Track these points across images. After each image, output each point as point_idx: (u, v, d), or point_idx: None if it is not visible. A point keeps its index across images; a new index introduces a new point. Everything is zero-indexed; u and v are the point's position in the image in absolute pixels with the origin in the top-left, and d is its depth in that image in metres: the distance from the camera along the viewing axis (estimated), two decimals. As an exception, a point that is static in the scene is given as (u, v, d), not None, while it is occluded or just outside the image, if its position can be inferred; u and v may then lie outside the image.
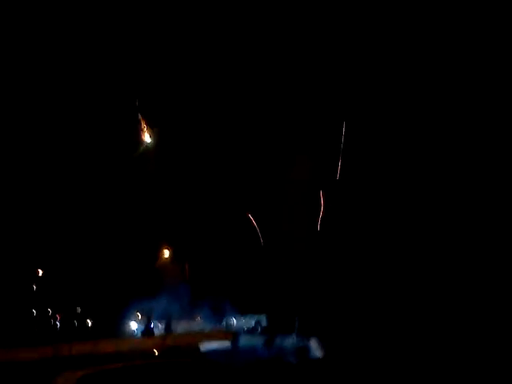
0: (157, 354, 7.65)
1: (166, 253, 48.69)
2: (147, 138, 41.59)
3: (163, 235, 46.70)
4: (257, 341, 23.00)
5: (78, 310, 50.01)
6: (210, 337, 9.97)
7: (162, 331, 27.40)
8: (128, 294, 35.84)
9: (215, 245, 46.83)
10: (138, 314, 35.58)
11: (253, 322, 34.50)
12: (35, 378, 6.78)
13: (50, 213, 45.90)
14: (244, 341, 23.03)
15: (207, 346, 9.99)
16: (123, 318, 35.96)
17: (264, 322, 34.36)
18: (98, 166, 45.93)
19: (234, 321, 33.90)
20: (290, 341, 21.35)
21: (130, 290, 35.15)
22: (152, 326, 31.95)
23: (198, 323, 32.55)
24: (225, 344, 17.14)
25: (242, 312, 36.08)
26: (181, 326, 31.87)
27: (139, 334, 29.88)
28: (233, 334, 14.83)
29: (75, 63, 41.97)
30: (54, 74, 42.29)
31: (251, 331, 32.67)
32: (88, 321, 44.90)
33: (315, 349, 20.68)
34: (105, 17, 41.25)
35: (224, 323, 32.99)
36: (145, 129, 43.17)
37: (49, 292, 45.68)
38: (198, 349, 8.76)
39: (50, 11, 40.37)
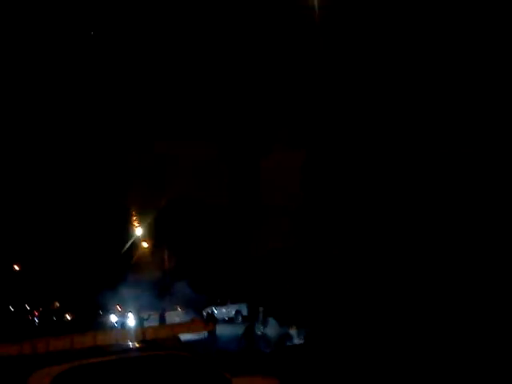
0: (138, 346, 7.63)
1: (145, 244, 48.69)
2: None
3: (142, 227, 46.65)
4: (235, 330, 23.10)
5: (57, 304, 49.81)
6: (190, 327, 9.93)
7: (141, 323, 27.32)
8: (107, 287, 35.68)
9: (196, 235, 46.89)
10: (118, 306, 35.47)
11: (233, 312, 34.58)
12: (9, 376, 6.68)
13: (24, 208, 45.45)
14: (223, 330, 23.07)
15: (187, 336, 9.99)
16: (103, 311, 35.87)
17: (244, 312, 34.45)
18: (70, 158, 45.51)
19: (215, 311, 33.93)
20: (268, 329, 21.42)
21: (108, 284, 34.97)
22: (130, 318, 31.90)
23: (179, 314, 32.58)
24: (204, 334, 17.08)
25: (222, 302, 36.20)
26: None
27: (119, 327, 29.80)
28: (211, 325, 14.74)
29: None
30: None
31: (232, 321, 32.78)
32: (67, 315, 44.74)
33: (294, 336, 20.82)
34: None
35: (205, 313, 33.00)
36: None
37: (26, 288, 45.28)
38: (179, 340, 8.74)
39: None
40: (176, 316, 31.60)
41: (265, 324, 21.20)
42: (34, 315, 43.32)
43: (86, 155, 42.97)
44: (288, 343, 19.25)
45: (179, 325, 16.18)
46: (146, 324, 26.07)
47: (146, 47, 40.51)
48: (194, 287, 37.35)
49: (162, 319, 28.03)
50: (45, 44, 38.86)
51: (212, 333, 19.22)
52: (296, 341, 19.80)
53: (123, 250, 43.51)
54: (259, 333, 20.16)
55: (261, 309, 22.77)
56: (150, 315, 31.01)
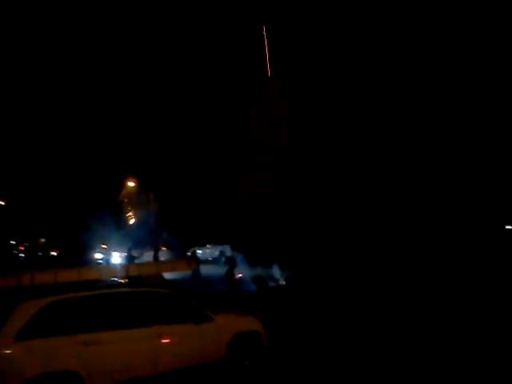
0: (121, 282, 7.76)
1: (131, 183, 48.59)
2: None
3: (128, 165, 46.50)
4: (218, 270, 23.57)
5: (42, 240, 50.05)
6: (173, 266, 10.12)
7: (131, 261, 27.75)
8: (92, 225, 35.86)
9: (182, 175, 46.95)
10: (103, 245, 35.76)
11: (217, 253, 35.06)
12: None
13: (13, 144, 44.96)
14: (206, 270, 23.50)
15: (169, 275, 10.19)
16: (88, 248, 36.14)
17: (228, 253, 34.94)
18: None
19: (199, 251, 34.38)
20: (250, 271, 21.90)
21: (94, 221, 35.10)
22: (115, 256, 32.29)
23: (164, 253, 32.99)
24: (187, 273, 17.37)
25: (206, 242, 36.64)
26: (146, 256, 32.40)
27: (104, 263, 30.20)
28: (193, 264, 14.98)
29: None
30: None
31: (216, 261, 33.29)
32: (53, 252, 45.05)
33: (276, 277, 21.35)
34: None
35: (189, 253, 33.46)
36: None
37: (12, 223, 45.28)
38: (163, 278, 8.92)
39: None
40: (161, 255, 32.05)
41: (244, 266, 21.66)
42: (19, 250, 43.60)
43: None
44: (271, 284, 19.70)
45: (163, 263, 16.45)
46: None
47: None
48: (178, 229, 37.69)
49: (156, 257, 28.43)
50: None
51: (195, 272, 19.54)
52: (279, 282, 20.27)
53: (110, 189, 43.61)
54: (240, 274, 20.58)
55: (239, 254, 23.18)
56: (141, 253, 31.46)
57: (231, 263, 21.13)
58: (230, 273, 20.02)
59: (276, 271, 21.06)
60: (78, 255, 33.22)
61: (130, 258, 25.45)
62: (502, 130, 32.31)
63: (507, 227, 31.51)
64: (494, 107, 32.99)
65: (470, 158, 33.02)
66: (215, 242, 36.33)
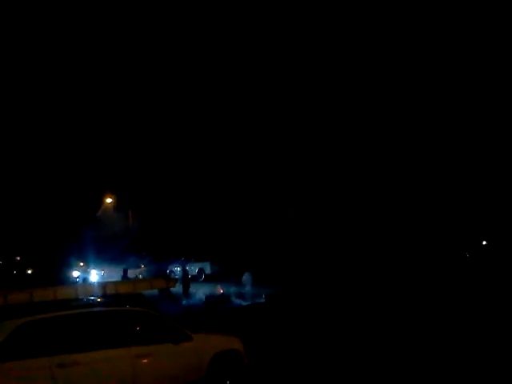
0: (98, 301, 7.57)
1: (109, 200, 48.07)
2: None
3: (107, 182, 46.06)
4: (197, 288, 23.48)
5: (17, 258, 49.12)
6: (151, 284, 9.94)
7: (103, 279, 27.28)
8: (69, 243, 35.30)
9: (162, 192, 46.62)
10: (80, 262, 35.20)
11: (196, 270, 34.72)
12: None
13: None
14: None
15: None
16: (65, 266, 35.54)
17: (208, 270, 34.68)
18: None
19: (178, 269, 34.00)
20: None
21: (71, 239, 34.60)
22: (92, 274, 31.76)
23: (142, 271, 32.56)
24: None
25: (186, 259, 36.28)
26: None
27: (81, 282, 29.68)
28: (172, 282, 14.69)
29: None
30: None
31: (195, 279, 32.96)
32: (28, 270, 44.21)
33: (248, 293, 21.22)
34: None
35: (168, 271, 33.06)
36: None
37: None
38: (142, 296, 8.73)
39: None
40: (139, 273, 31.64)
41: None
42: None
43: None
44: (249, 302, 19.58)
45: (140, 281, 16.24)
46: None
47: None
48: (157, 246, 37.31)
49: (125, 276, 28.03)
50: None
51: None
52: (256, 299, 20.15)
53: (87, 206, 43.08)
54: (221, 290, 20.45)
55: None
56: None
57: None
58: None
59: (249, 287, 20.93)
60: (55, 273, 32.64)
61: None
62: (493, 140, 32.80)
63: (483, 243, 31.95)
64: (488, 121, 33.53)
65: (444, 181, 33.46)
66: (195, 259, 36.00)
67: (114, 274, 28.63)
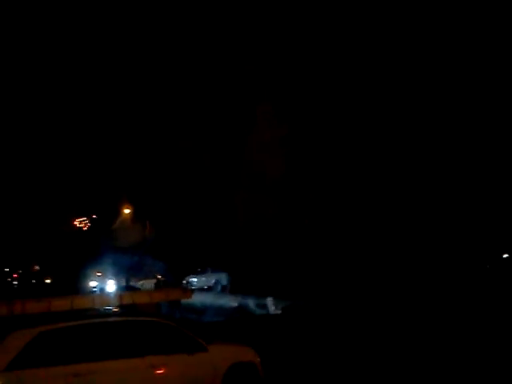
0: (115, 311, 7.62)
1: (127, 211, 48.42)
2: None
3: (124, 192, 46.40)
4: (214, 299, 23.41)
5: (36, 268, 49.65)
6: (167, 295, 9.95)
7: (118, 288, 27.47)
8: (87, 253, 35.63)
9: (179, 203, 46.75)
10: (98, 272, 35.46)
11: (213, 281, 34.62)
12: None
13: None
14: (202, 299, 23.27)
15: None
16: (83, 276, 35.82)
17: (224, 281, 34.53)
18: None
19: (195, 279, 33.97)
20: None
21: (89, 249, 34.94)
22: (109, 284, 31.96)
23: (159, 281, 32.65)
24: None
25: (202, 270, 36.28)
26: (141, 284, 32.08)
27: (98, 292, 29.88)
28: (189, 293, 14.68)
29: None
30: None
31: (211, 289, 32.90)
32: (47, 280, 44.64)
33: (271, 306, 21.18)
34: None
35: (185, 281, 33.10)
36: None
37: (6, 250, 44.95)
38: (158, 306, 8.76)
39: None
40: (142, 284, 31.89)
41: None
42: (12, 278, 43.22)
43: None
44: (264, 312, 19.51)
45: (157, 292, 16.28)
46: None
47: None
48: (174, 256, 37.39)
49: (158, 286, 28.14)
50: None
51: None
52: (272, 311, 20.06)
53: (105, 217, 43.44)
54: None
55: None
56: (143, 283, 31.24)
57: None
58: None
59: (269, 300, 20.88)
60: (73, 283, 32.90)
61: (127, 289, 25.08)
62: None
63: (504, 256, 31.48)
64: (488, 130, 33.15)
65: (464, 191, 33.06)
66: (212, 269, 35.92)
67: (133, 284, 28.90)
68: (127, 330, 7.70)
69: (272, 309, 20.40)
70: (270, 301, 20.87)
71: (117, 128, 44.43)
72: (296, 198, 38.65)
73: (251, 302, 21.80)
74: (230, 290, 32.09)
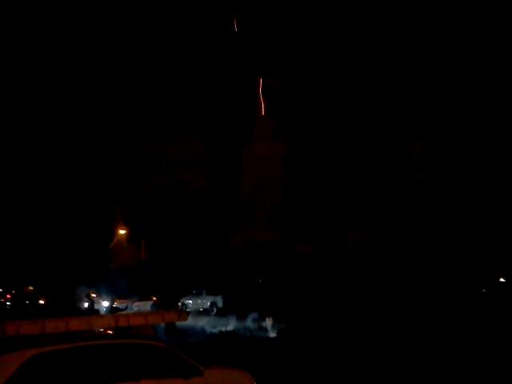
0: (110, 334, 7.50)
1: (123, 231, 48.24)
2: None
3: (118, 214, 46.25)
4: (209, 322, 23.25)
5: (30, 288, 49.13)
6: (163, 317, 9.86)
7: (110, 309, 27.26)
8: (82, 273, 35.34)
9: (173, 225, 46.69)
10: (93, 293, 35.16)
11: (208, 303, 34.42)
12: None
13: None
14: (196, 322, 23.09)
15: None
16: (77, 297, 35.51)
17: (220, 304, 34.33)
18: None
19: (190, 302, 33.76)
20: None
21: (83, 269, 34.66)
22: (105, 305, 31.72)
23: (154, 303, 32.38)
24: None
25: (197, 292, 36.05)
26: (136, 306, 31.79)
27: (94, 313, 29.58)
28: (184, 315, 14.51)
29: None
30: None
31: (207, 312, 32.68)
32: (41, 301, 44.12)
33: (269, 329, 21.04)
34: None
35: (180, 304, 32.85)
36: None
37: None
38: (153, 329, 8.71)
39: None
40: (125, 306, 31.70)
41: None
42: (6, 298, 42.75)
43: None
44: (262, 335, 19.37)
45: (152, 313, 16.08)
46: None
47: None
48: (169, 278, 37.22)
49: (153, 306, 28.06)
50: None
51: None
52: (270, 334, 19.93)
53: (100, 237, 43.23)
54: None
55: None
56: (126, 306, 30.95)
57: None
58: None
59: (269, 322, 20.77)
60: (67, 304, 32.59)
61: (112, 310, 24.96)
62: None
63: (501, 280, 31.47)
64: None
65: (462, 214, 33.11)
66: (207, 292, 35.72)
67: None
68: (122, 353, 7.59)
69: (269, 330, 20.33)
70: (268, 323, 20.79)
71: (113, 148, 44.51)
72: (288, 224, 38.69)
73: (247, 324, 21.67)
74: (225, 312, 31.89)
